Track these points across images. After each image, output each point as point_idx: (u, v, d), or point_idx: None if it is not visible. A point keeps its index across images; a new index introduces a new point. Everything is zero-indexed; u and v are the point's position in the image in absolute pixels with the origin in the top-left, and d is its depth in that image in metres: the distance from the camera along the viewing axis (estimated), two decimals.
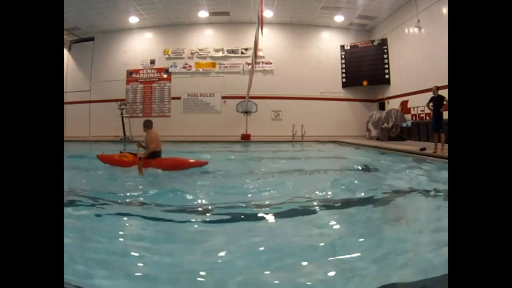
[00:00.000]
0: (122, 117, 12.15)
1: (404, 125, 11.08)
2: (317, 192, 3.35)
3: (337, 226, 2.34)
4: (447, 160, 5.26)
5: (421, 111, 10.72)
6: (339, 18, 13.19)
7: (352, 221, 2.43)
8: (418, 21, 10.60)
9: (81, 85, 14.22)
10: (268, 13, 12.72)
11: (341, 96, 14.08)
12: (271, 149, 8.97)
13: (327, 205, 2.88)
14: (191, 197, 3.11)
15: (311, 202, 2.95)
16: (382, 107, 13.42)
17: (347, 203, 2.94)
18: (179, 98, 13.97)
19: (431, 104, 6.56)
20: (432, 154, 6.20)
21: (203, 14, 13.08)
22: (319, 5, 12.04)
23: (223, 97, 13.86)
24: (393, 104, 12.41)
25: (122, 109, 12.19)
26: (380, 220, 2.47)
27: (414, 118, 11.07)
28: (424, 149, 6.87)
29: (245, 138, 12.11)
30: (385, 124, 11.25)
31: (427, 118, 10.26)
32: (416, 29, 10.83)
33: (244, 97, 12.67)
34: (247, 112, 12.71)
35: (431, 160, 5.83)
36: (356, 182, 3.99)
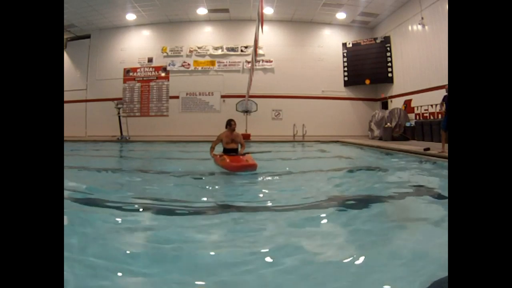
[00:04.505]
0: (119, 117, 11.91)
1: (407, 124, 10.90)
2: (320, 193, 3.31)
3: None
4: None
5: (425, 110, 10.53)
6: (341, 15, 13.00)
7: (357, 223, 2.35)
8: (422, 18, 10.42)
9: (77, 84, 13.96)
10: (268, 10, 12.55)
11: (343, 95, 13.87)
12: (271, 149, 8.78)
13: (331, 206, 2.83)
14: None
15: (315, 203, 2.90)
16: (385, 106, 13.23)
17: (350, 203, 2.90)
18: (177, 97, 13.75)
19: (444, 103, 6.35)
20: (437, 154, 6.01)
21: (202, 11, 12.88)
22: (320, 2, 11.87)
23: (223, 96, 13.66)
24: (396, 103, 12.21)
25: (119, 108, 11.94)
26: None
27: (417, 118, 10.88)
28: (428, 149, 6.70)
29: (245, 138, 11.86)
30: (388, 124, 11.06)
31: (431, 117, 10.09)
32: (420, 27, 10.65)
33: (244, 96, 12.45)
34: (247, 112, 12.49)
35: (435, 160, 5.70)
36: (358, 182, 3.93)
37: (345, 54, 13.78)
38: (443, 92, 6.58)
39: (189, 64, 13.75)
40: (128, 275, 1.50)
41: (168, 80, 13.78)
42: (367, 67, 13.27)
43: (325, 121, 13.52)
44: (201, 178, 4.28)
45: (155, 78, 13.83)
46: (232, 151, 4.95)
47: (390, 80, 12.79)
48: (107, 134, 12.66)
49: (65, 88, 13.73)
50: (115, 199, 2.95)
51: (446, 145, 6.16)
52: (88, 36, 14.08)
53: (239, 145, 5.09)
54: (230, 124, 5.03)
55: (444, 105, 6.36)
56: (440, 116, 9.61)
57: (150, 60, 13.86)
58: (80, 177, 4.18)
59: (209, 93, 13.70)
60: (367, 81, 13.35)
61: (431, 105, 10.14)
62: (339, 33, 13.89)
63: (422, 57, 10.72)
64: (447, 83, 7.60)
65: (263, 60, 13.57)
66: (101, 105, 13.58)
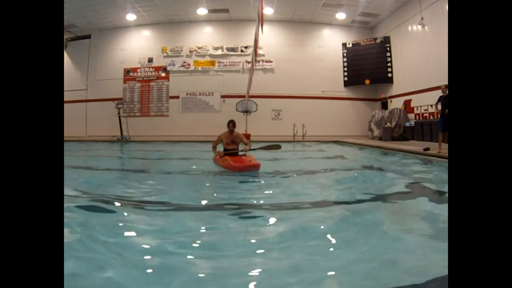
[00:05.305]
0: (119, 117, 11.92)
1: (407, 124, 10.91)
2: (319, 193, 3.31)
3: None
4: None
5: (425, 110, 10.53)
6: (341, 16, 13.02)
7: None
8: (422, 18, 10.42)
9: (78, 84, 13.97)
10: (268, 10, 12.56)
11: (343, 95, 13.89)
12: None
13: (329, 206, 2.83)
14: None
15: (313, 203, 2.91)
16: (385, 106, 13.24)
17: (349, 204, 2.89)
18: (177, 97, 13.75)
19: (439, 103, 6.36)
20: (436, 154, 6.03)
21: (202, 11, 12.90)
22: (320, 2, 11.88)
23: (223, 96, 13.67)
24: (396, 103, 12.21)
25: (119, 108, 11.96)
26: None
27: (417, 118, 10.89)
28: (427, 149, 6.73)
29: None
30: (388, 124, 11.07)
31: (431, 117, 10.09)
32: (419, 27, 10.66)
33: (244, 96, 12.46)
34: (247, 112, 12.49)
35: (435, 160, 5.73)
36: (357, 183, 3.95)
37: (345, 54, 13.78)
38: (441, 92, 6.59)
39: (189, 64, 13.75)
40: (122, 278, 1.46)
41: (168, 80, 13.79)
42: (367, 67, 13.27)
43: (325, 121, 13.53)
44: (202, 179, 4.28)
45: (155, 78, 13.84)
46: (233, 152, 4.91)
47: (390, 80, 12.80)
48: (107, 134, 12.66)
49: (65, 88, 13.74)
50: (114, 200, 2.94)
51: (443, 145, 6.19)
52: (88, 36, 14.08)
53: (240, 145, 5.06)
54: (228, 125, 5.02)
55: (440, 105, 6.37)
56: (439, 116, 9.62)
57: (150, 60, 13.87)
58: (79, 177, 4.14)
59: (209, 93, 13.70)
60: (367, 81, 13.36)
61: (431, 105, 10.13)
62: (339, 33, 13.90)
63: (422, 57, 10.72)
64: (447, 83, 7.60)
65: (263, 60, 13.57)
66: (101, 105, 13.59)
